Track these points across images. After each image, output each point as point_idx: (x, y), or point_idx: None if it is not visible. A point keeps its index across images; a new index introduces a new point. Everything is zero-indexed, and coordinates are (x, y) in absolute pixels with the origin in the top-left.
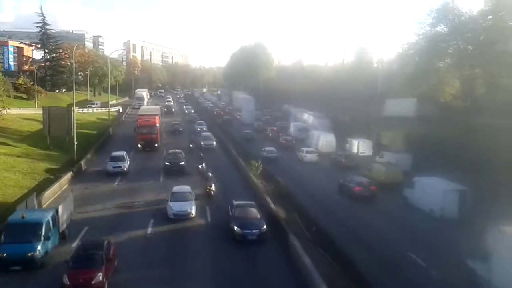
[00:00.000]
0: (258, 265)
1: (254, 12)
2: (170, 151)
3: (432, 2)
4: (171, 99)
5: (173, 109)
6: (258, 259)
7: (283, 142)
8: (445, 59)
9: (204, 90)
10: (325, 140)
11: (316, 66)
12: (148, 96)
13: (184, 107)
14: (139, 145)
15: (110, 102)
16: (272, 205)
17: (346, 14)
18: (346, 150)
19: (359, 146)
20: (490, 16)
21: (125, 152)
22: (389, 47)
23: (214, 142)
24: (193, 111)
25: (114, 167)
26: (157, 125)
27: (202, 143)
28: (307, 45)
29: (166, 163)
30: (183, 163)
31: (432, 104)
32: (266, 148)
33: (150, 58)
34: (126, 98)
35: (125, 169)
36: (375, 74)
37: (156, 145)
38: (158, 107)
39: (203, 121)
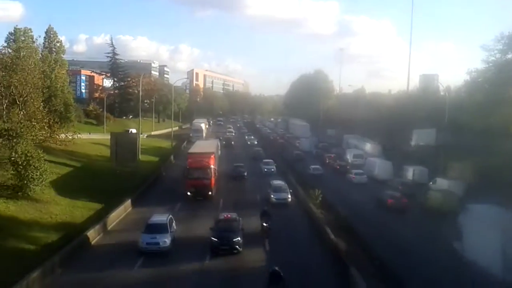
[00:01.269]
0: None
1: (315, 38)
2: (220, 217)
3: (502, 27)
4: (232, 129)
5: (232, 142)
6: None
7: (338, 167)
8: None
9: (259, 116)
10: (381, 167)
11: (379, 93)
12: (207, 126)
13: (246, 137)
14: (188, 193)
15: (172, 129)
16: (332, 236)
17: (411, 40)
18: (403, 177)
19: (415, 173)
20: None
21: (169, 216)
22: (456, 75)
23: (289, 196)
24: (256, 142)
25: (148, 244)
26: (212, 166)
27: (272, 196)
28: (370, 73)
29: (213, 238)
30: (238, 239)
31: (503, 135)
32: (312, 166)
33: (212, 86)
34: (188, 125)
35: (167, 245)
36: (441, 102)
37: (210, 193)
38: (216, 141)
39: (271, 160)
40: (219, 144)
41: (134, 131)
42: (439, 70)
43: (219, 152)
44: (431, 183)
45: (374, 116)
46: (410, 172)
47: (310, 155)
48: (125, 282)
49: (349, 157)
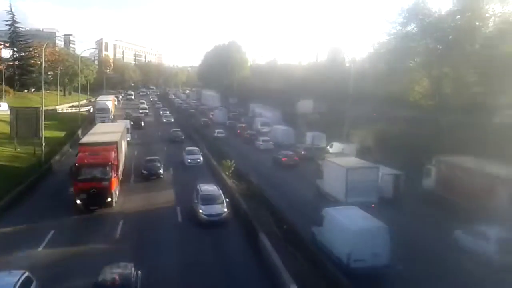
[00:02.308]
0: (228, 264)
1: (229, 11)
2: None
3: (404, 1)
4: (145, 106)
5: (142, 123)
6: (228, 259)
7: (247, 136)
8: (415, 58)
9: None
10: (284, 133)
11: (290, 65)
12: (116, 102)
13: (161, 112)
14: (78, 201)
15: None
16: (244, 205)
17: (319, 14)
18: (304, 143)
19: (314, 138)
20: (458, 16)
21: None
22: (361, 47)
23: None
24: (172, 120)
25: None
26: (111, 162)
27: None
28: (281, 44)
29: None
30: None
31: (401, 103)
32: (216, 130)
33: (123, 57)
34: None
35: None
36: (347, 73)
37: (109, 199)
38: (122, 125)
39: (196, 148)
40: (128, 127)
41: (5, 105)
42: (348, 43)
43: (128, 137)
44: (328, 147)
45: (285, 86)
46: (310, 138)
47: (224, 127)
48: None
49: (257, 125)
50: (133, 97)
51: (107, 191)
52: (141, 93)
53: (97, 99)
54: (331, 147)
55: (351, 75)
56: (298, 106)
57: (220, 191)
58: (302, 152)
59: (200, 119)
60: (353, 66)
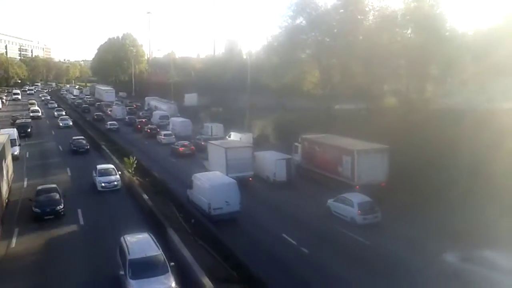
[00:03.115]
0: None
1: (124, 1)
2: None
3: None
4: (36, 107)
5: (29, 129)
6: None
7: (148, 131)
8: (306, 50)
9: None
10: (182, 125)
11: (189, 58)
12: (0, 105)
13: (56, 113)
14: None
15: None
16: (150, 202)
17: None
18: (203, 134)
19: (213, 129)
20: (342, 10)
21: None
22: (257, 39)
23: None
24: (71, 123)
25: None
26: None
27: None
28: (179, 38)
29: None
30: None
31: (296, 93)
32: (109, 122)
33: (6, 52)
34: None
35: None
36: (244, 65)
37: None
38: (3, 138)
39: (111, 167)
40: (15, 137)
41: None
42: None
43: (16, 151)
44: (227, 136)
45: (184, 79)
46: (209, 129)
47: (124, 122)
48: None
49: (155, 119)
50: (20, 97)
51: None
52: (28, 91)
53: None
54: (229, 136)
55: (248, 67)
56: (185, 99)
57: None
58: (203, 143)
59: (94, 113)
60: (249, 58)
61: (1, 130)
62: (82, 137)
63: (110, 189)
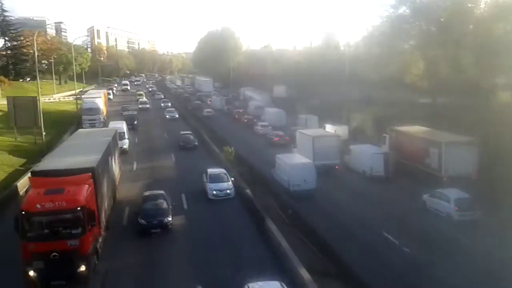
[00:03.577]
0: (236, 249)
1: None
2: None
3: None
4: (145, 99)
5: (136, 122)
6: (236, 244)
7: (245, 121)
8: (409, 41)
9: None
10: (276, 116)
11: (285, 50)
12: (111, 96)
13: (162, 105)
14: (31, 273)
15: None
16: (248, 190)
17: None
18: (297, 125)
19: (307, 121)
20: None
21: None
22: (356, 30)
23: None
24: (177, 115)
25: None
26: (83, 206)
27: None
28: (276, 30)
29: None
30: None
31: (398, 86)
32: (205, 109)
33: (116, 45)
34: (93, 86)
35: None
36: (342, 57)
37: (81, 269)
38: (111, 133)
39: (223, 172)
40: (123, 130)
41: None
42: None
43: (125, 144)
44: (321, 129)
45: (281, 71)
46: (303, 120)
47: (222, 112)
48: None
49: (251, 109)
50: (128, 87)
51: (77, 256)
52: (136, 82)
53: (84, 96)
54: (324, 128)
55: (346, 58)
56: (273, 91)
57: None
58: None
59: (193, 102)
60: (347, 50)
61: (111, 122)
62: (190, 132)
63: (222, 197)
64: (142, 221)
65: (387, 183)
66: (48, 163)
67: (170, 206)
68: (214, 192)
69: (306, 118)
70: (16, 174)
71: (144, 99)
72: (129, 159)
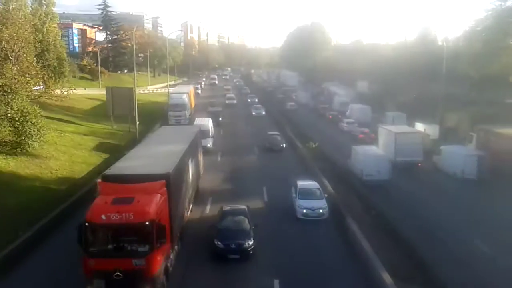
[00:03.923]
0: (316, 248)
1: None
2: None
3: None
4: (232, 95)
5: (220, 118)
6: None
7: (330, 117)
8: None
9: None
10: (361, 112)
11: (377, 45)
12: (199, 90)
13: (249, 100)
14: None
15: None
16: (330, 187)
17: None
18: (384, 122)
19: (394, 118)
20: None
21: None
22: (454, 25)
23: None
24: (263, 112)
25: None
26: (152, 221)
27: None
28: (367, 24)
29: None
30: None
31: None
32: (288, 103)
33: (207, 39)
34: (185, 79)
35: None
36: (439, 53)
37: None
38: (192, 132)
39: (316, 187)
40: (208, 128)
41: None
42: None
43: (208, 143)
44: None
45: (372, 66)
46: (390, 118)
47: (307, 108)
48: None
49: (336, 105)
50: (216, 82)
51: (143, 278)
52: (223, 77)
53: (172, 91)
54: (413, 126)
55: (444, 54)
56: (357, 86)
57: None
58: None
59: (278, 96)
60: (445, 45)
61: (196, 119)
62: (277, 133)
63: (313, 218)
64: (219, 243)
65: (480, 186)
66: (122, 167)
67: (253, 227)
68: (304, 211)
69: (393, 115)
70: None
71: (231, 94)
72: (213, 154)
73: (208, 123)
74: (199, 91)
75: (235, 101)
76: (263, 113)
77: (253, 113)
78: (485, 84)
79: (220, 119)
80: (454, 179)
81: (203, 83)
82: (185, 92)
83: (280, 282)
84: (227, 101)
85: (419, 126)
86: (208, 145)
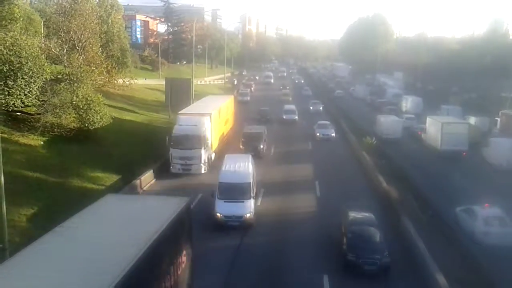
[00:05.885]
0: None
1: None
2: None
3: None
4: (293, 106)
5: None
6: None
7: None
8: None
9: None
10: (413, 103)
11: (442, 38)
12: (248, 97)
13: (311, 107)
14: None
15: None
16: (385, 184)
17: None
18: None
19: (449, 111)
20: None
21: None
22: None
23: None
24: (333, 133)
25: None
26: None
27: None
28: (432, 16)
29: None
30: None
31: None
32: (336, 91)
33: (265, 31)
34: (244, 72)
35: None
36: (510, 47)
37: None
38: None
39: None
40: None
41: None
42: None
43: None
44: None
45: (436, 60)
46: (445, 111)
47: (364, 103)
48: None
49: (389, 97)
50: (272, 80)
51: None
52: (280, 74)
53: (183, 113)
54: (465, 119)
55: None
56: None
57: None
58: None
59: (329, 86)
60: None
61: (226, 157)
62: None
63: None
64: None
65: None
66: None
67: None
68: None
69: (448, 108)
70: None
71: (291, 106)
72: None
73: (245, 168)
74: (248, 98)
75: (295, 116)
76: (333, 134)
77: (318, 135)
78: None
79: (261, 147)
80: (499, 170)
81: (253, 85)
82: (207, 114)
83: None
84: (284, 116)
85: (471, 119)
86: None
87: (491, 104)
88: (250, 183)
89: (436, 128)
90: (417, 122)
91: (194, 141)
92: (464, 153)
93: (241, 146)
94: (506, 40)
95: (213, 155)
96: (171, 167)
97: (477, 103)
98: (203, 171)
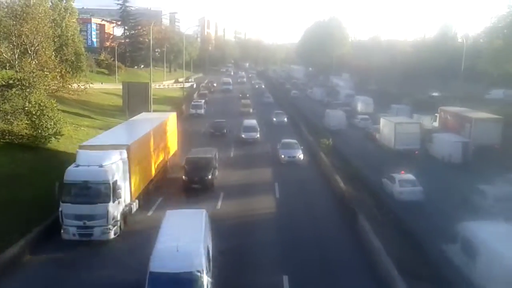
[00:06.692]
0: (327, 246)
1: None
2: None
3: None
4: (252, 120)
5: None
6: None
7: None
8: None
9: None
10: (364, 103)
11: (395, 41)
12: (202, 110)
13: (275, 119)
14: None
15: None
16: (342, 184)
17: None
18: (386, 114)
19: (398, 110)
20: None
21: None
22: (475, 22)
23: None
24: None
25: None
26: None
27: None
28: (385, 20)
29: None
30: None
31: None
32: (292, 91)
33: (224, 35)
34: (200, 74)
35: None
36: (459, 50)
37: None
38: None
39: None
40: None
41: None
42: (461, 18)
43: None
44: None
45: (389, 63)
46: (394, 110)
47: (322, 103)
48: None
49: (342, 97)
50: (231, 87)
51: None
52: (239, 79)
53: (85, 145)
54: (412, 117)
55: (463, 51)
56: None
57: None
58: None
59: (285, 87)
60: (465, 42)
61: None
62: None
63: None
64: None
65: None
66: None
67: None
68: None
69: (397, 108)
70: None
71: (251, 122)
72: None
73: (196, 240)
74: (202, 111)
75: (257, 135)
76: (300, 156)
77: (284, 157)
78: (504, 81)
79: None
80: (442, 163)
81: (203, 102)
82: (122, 146)
83: None
84: (243, 134)
85: (416, 117)
86: None
87: (440, 103)
88: (201, 271)
89: (389, 128)
90: (372, 123)
91: (97, 191)
92: (416, 152)
93: (183, 177)
94: (455, 43)
95: (134, 206)
96: (62, 231)
97: (430, 102)
98: (112, 236)
